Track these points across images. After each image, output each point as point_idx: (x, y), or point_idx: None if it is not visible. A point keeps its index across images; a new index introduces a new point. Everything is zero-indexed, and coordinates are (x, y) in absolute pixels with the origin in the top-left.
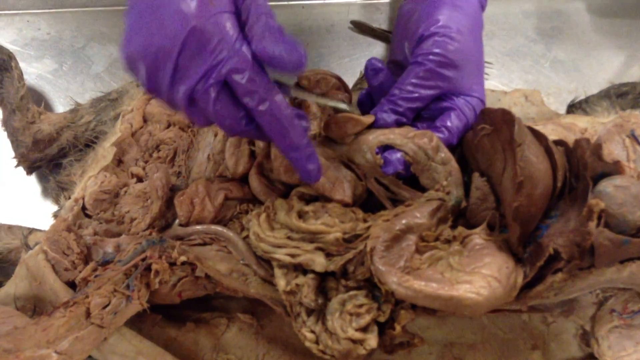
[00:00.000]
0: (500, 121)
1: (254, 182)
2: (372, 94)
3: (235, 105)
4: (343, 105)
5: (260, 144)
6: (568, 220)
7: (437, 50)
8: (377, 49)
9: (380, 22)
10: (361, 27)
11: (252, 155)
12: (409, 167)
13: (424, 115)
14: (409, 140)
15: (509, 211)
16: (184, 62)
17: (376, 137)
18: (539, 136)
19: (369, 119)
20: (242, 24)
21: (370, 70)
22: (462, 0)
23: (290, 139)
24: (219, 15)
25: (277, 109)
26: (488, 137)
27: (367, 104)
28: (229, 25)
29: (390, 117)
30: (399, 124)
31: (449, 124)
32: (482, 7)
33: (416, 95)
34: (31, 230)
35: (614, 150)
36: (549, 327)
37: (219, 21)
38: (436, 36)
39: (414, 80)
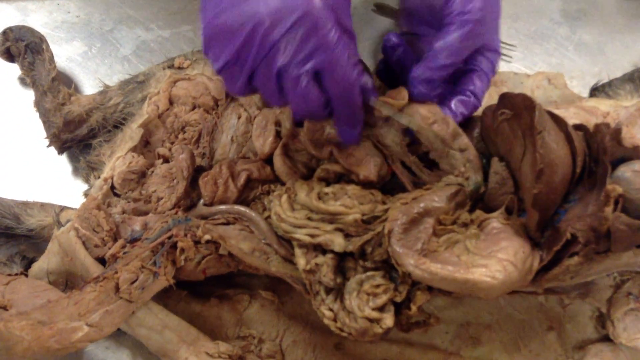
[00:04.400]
0: (521, 107)
1: (278, 162)
2: (390, 65)
3: (319, 92)
4: (412, 125)
5: (286, 124)
6: (586, 205)
7: (468, 8)
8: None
9: None
10: (384, 9)
11: (278, 135)
12: None
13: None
14: (428, 126)
15: (528, 197)
16: (285, 42)
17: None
18: (559, 121)
19: (402, 97)
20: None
21: (389, 47)
22: None
23: (353, 120)
24: (329, 9)
25: (355, 98)
26: (508, 122)
27: (383, 74)
28: (335, 23)
29: (434, 91)
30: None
31: (472, 87)
32: None
33: (462, 56)
34: (63, 208)
35: (636, 134)
36: (565, 309)
37: (329, 15)
38: None
39: (461, 43)
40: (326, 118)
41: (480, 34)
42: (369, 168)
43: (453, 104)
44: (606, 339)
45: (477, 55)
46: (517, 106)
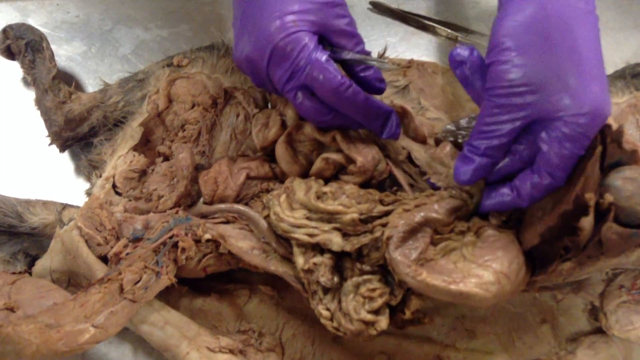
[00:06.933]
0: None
1: (280, 149)
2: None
3: (315, 101)
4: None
5: (290, 114)
6: None
7: (500, 83)
8: (395, 29)
9: (399, 2)
10: (380, 8)
11: (283, 125)
12: None
13: (517, 147)
14: (427, 154)
15: (536, 219)
16: (271, 70)
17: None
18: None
19: None
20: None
21: (452, 62)
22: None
23: (366, 116)
24: (298, 33)
25: (352, 100)
26: None
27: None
28: (307, 41)
29: (467, 172)
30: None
31: (548, 167)
32: None
33: (496, 133)
34: (65, 206)
35: (627, 130)
36: (558, 303)
37: (298, 38)
38: (497, 65)
39: (487, 119)
40: (338, 122)
41: (519, 106)
42: (367, 158)
43: (524, 190)
44: (599, 331)
45: (552, 124)
46: None
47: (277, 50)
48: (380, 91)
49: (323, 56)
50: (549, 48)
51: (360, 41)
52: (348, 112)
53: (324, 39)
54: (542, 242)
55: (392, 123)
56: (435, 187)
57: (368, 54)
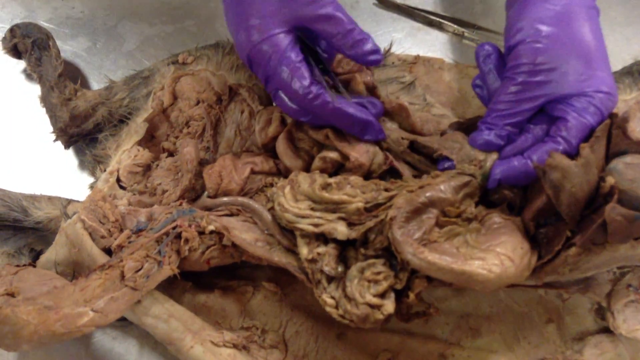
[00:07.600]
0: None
1: (282, 145)
2: (483, 79)
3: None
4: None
5: None
6: None
7: (523, 61)
8: (401, 25)
9: None
10: (386, 4)
11: (283, 122)
12: None
13: (531, 127)
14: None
15: (537, 194)
16: (254, 73)
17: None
18: None
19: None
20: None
21: (481, 55)
22: None
23: (340, 124)
24: (263, 42)
25: (321, 108)
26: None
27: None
28: (276, 44)
29: (489, 135)
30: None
31: (564, 133)
32: None
33: (513, 111)
34: (69, 201)
35: (635, 127)
36: (564, 303)
37: (266, 46)
38: (520, 45)
39: (507, 98)
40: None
41: (539, 83)
42: (361, 152)
43: (537, 156)
44: (605, 330)
45: (571, 100)
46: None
47: (251, 58)
48: (376, 62)
49: (292, 62)
50: (567, 34)
51: (339, 21)
52: (322, 118)
53: (305, 30)
54: (542, 213)
55: (373, 130)
56: (443, 169)
57: (352, 30)
